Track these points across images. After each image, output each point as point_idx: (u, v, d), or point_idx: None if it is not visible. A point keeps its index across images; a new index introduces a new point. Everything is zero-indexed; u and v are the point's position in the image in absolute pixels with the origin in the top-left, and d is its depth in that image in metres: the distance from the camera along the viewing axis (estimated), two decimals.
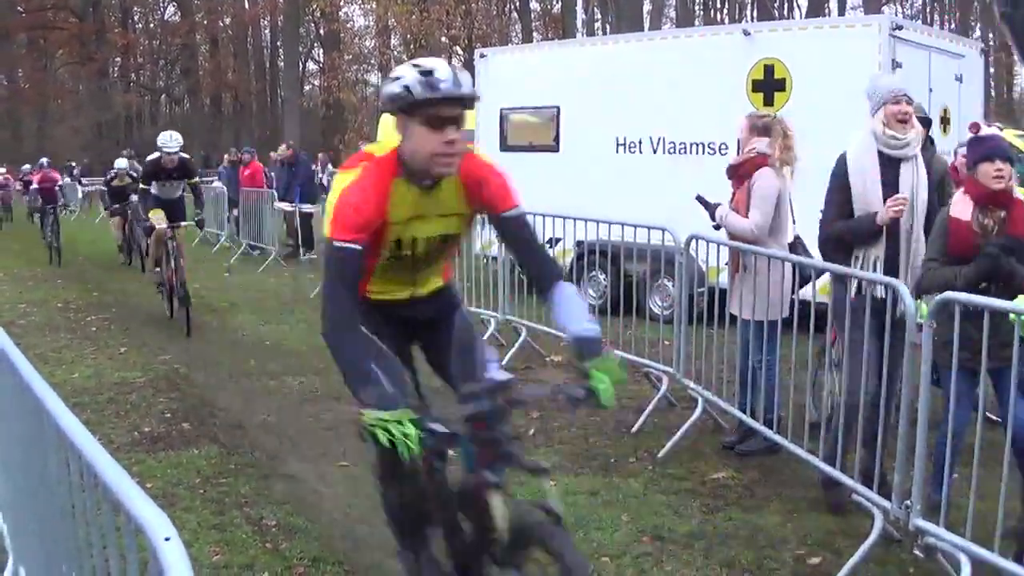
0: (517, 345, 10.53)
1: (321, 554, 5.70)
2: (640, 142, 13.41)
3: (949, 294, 5.16)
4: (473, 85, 3.83)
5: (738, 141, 8.25)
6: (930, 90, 11.54)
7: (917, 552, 5.21)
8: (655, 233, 8.71)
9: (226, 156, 26.16)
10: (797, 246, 7.88)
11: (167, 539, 2.07)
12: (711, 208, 8.07)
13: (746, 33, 12.40)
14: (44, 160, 28.10)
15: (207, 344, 11.69)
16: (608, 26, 57.04)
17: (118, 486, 2.37)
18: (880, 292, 5.95)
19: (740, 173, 7.83)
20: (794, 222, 7.93)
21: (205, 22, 67.85)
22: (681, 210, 9.05)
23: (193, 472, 7.08)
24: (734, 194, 7.91)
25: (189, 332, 12.34)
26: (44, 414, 3.15)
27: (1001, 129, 18.12)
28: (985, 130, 9.61)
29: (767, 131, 7.70)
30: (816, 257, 7.27)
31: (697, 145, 12.56)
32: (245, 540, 5.89)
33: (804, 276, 7.32)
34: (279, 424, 8.44)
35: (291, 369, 10.41)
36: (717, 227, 8.09)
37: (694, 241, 8.17)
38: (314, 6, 59.85)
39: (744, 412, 7.43)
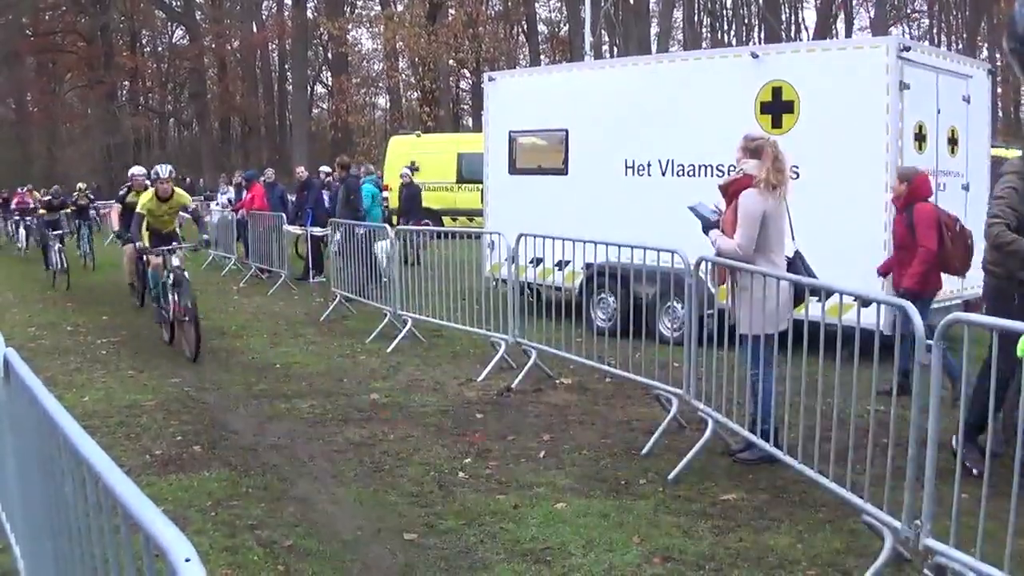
0: (527, 367, 10.54)
1: None
2: (649, 164, 13.45)
3: (956, 315, 5.19)
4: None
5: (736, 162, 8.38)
6: (938, 111, 11.58)
7: (927, 572, 5.20)
8: (664, 255, 8.76)
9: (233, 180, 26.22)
10: (797, 261, 8.02)
11: (187, 560, 2.09)
12: (706, 221, 8.23)
13: (754, 55, 12.43)
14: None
15: (217, 367, 11.71)
16: (616, 48, 57.23)
17: (138, 508, 2.39)
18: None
19: (729, 192, 8.05)
20: (793, 239, 8.05)
21: (213, 46, 68.04)
22: (689, 232, 9.07)
23: (204, 495, 7.10)
24: (725, 213, 8.11)
25: (197, 357, 12.16)
26: (60, 436, 3.17)
27: (1008, 149, 18.26)
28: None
29: (758, 153, 7.88)
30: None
31: (705, 168, 12.59)
32: (257, 563, 5.91)
33: (799, 294, 7.46)
34: (290, 447, 8.46)
35: (301, 392, 10.44)
36: (705, 233, 8.32)
37: (703, 263, 8.22)
38: (322, 30, 60.15)
39: (754, 426, 7.47)
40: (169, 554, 2.15)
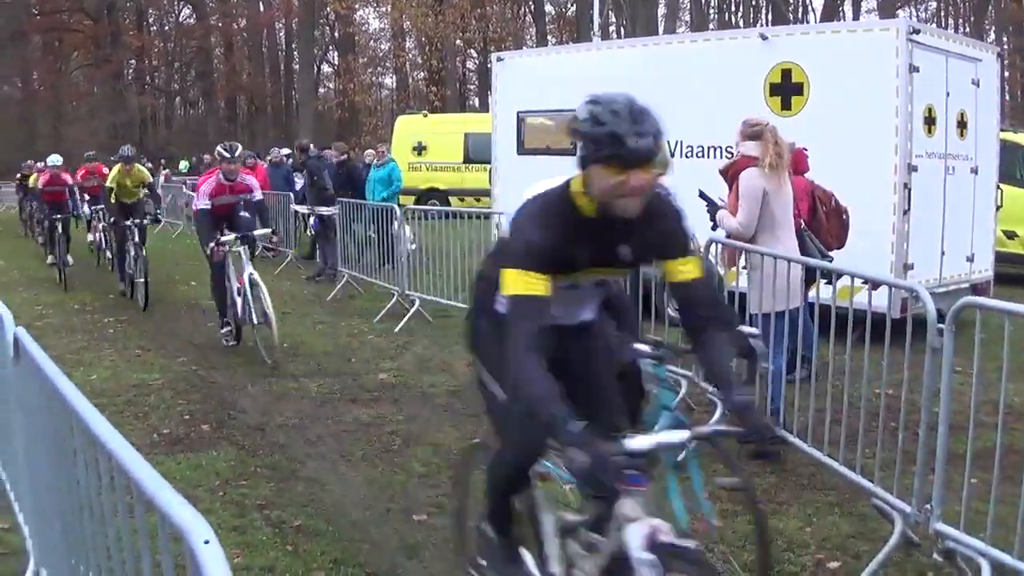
0: None
1: (342, 556, 5.73)
2: None
3: (968, 299, 5.19)
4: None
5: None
6: (947, 94, 11.53)
7: (937, 556, 5.19)
8: None
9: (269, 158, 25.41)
10: (804, 236, 8.14)
11: (207, 542, 2.08)
12: (713, 206, 8.31)
13: (763, 37, 12.38)
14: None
15: (225, 347, 11.70)
16: (623, 29, 57.08)
17: (154, 489, 2.38)
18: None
19: (730, 175, 8.24)
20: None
21: (220, 24, 67.91)
22: (699, 213, 9.06)
23: (213, 474, 7.10)
24: (728, 197, 8.30)
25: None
26: (73, 415, 3.16)
27: (1016, 132, 18.21)
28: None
29: (757, 137, 8.10)
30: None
31: (715, 149, 12.55)
32: (265, 542, 5.91)
33: (810, 274, 7.54)
34: (298, 426, 8.46)
35: (309, 371, 10.44)
36: (714, 227, 8.47)
37: (713, 245, 8.23)
38: (329, 9, 60.03)
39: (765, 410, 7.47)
40: (188, 535, 2.14)
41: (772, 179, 7.90)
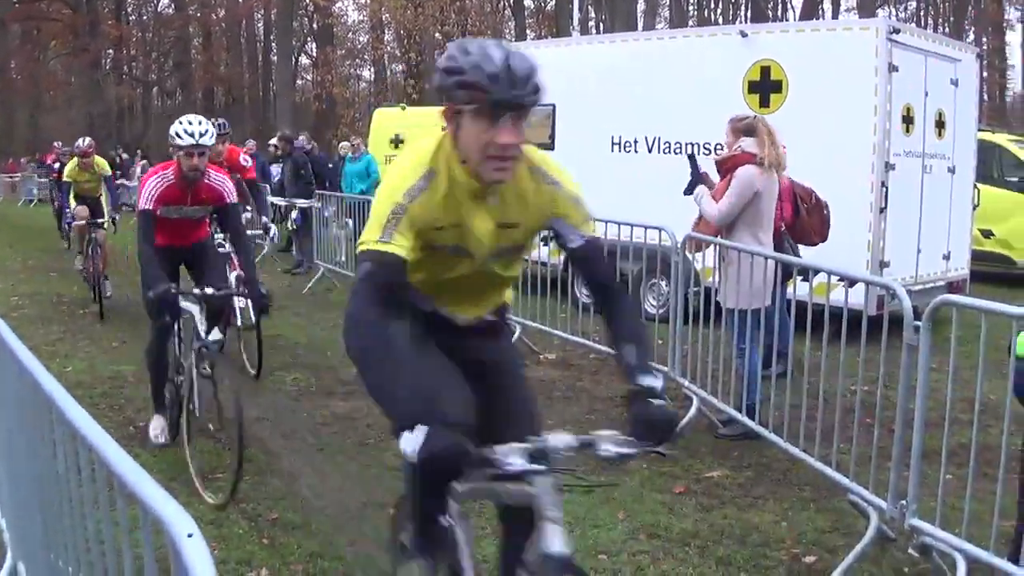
0: (512, 341, 10.53)
1: (319, 549, 5.73)
2: (635, 141, 13.42)
3: (945, 297, 5.23)
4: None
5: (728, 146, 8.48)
6: (926, 93, 11.60)
7: (912, 551, 5.24)
8: (649, 233, 8.79)
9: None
10: (783, 240, 8.20)
11: (190, 535, 2.08)
12: (696, 175, 8.48)
13: (743, 34, 12.41)
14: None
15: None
16: (601, 25, 57.04)
17: (136, 482, 2.38)
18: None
19: (725, 168, 8.20)
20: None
21: (199, 15, 67.55)
22: (675, 210, 9.10)
23: (188, 467, 7.08)
24: (717, 184, 8.33)
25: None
26: (52, 408, 3.15)
27: (994, 132, 18.33)
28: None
29: (751, 132, 8.15)
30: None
31: (692, 145, 12.55)
32: (242, 536, 5.91)
33: (787, 270, 7.59)
34: (275, 420, 8.45)
35: (286, 365, 10.42)
36: (686, 193, 8.50)
37: (689, 241, 8.28)
38: (307, 0, 59.84)
39: (740, 401, 7.53)
40: (171, 529, 2.14)
41: (767, 178, 7.96)
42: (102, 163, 14.89)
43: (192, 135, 7.21)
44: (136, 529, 2.46)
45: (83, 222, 14.08)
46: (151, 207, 7.27)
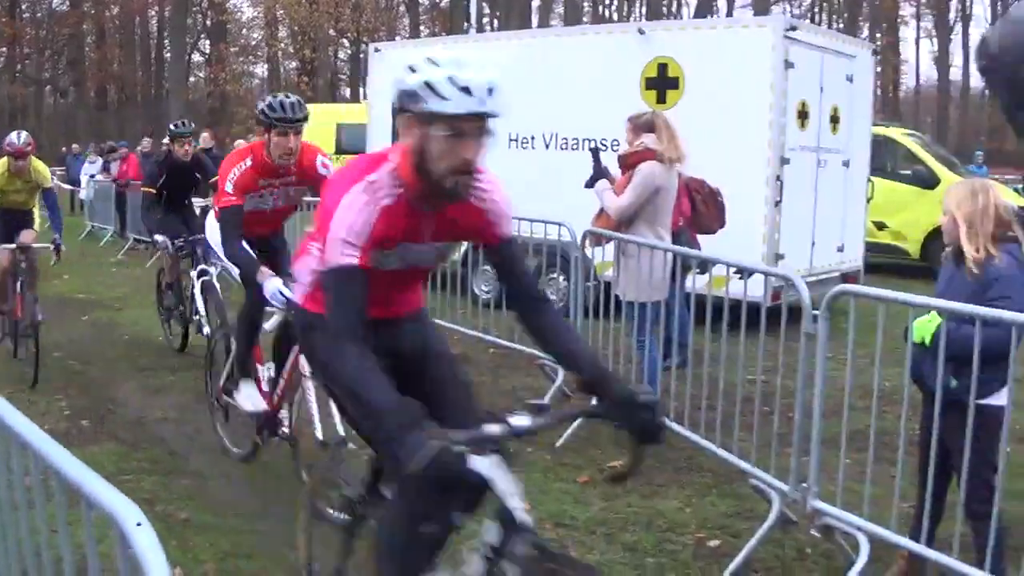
0: None
1: (231, 548, 5.71)
2: (532, 138, 13.47)
3: (843, 287, 5.39)
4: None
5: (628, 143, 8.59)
6: (821, 89, 11.82)
7: (814, 532, 5.37)
8: (546, 228, 8.90)
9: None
10: (682, 235, 8.37)
11: (139, 524, 2.08)
12: (598, 170, 8.63)
13: (641, 32, 12.52)
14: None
15: (100, 340, 11.49)
16: (496, 21, 57.17)
17: (79, 476, 2.37)
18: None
19: (628, 164, 8.34)
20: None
21: (93, 12, 66.33)
22: (572, 206, 9.21)
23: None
24: (618, 179, 8.48)
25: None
26: None
27: (887, 127, 18.79)
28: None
29: (651, 128, 8.31)
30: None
31: (589, 141, 12.60)
32: None
33: (684, 264, 7.74)
34: (178, 420, 8.37)
35: (185, 364, 10.28)
36: (587, 186, 8.66)
37: (589, 236, 8.40)
38: None
39: None
40: (119, 519, 2.14)
41: (667, 174, 8.12)
42: (42, 169, 10.27)
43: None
44: (77, 523, 2.46)
45: (6, 251, 9.93)
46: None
